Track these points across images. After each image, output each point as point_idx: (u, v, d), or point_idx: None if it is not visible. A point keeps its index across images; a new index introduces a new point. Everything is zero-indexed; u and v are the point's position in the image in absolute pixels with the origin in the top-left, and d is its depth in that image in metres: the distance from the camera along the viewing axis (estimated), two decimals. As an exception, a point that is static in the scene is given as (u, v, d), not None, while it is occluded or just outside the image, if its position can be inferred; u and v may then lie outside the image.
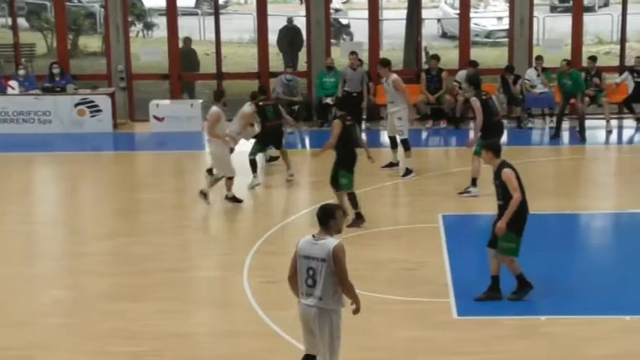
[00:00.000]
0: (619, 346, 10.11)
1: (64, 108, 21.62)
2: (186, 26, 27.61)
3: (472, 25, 25.11)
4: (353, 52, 20.99)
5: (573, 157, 19.30)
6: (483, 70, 22.81)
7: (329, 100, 21.14)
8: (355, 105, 19.96)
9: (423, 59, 23.77)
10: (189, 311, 11.34)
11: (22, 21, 29.78)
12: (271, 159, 18.21)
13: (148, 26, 31.96)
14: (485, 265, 11.35)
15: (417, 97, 21.30)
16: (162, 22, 26.29)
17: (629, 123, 21.76)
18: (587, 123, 20.29)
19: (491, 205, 15.04)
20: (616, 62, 24.20)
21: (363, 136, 19.52)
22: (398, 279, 12.09)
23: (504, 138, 15.85)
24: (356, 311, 8.44)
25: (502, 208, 11.00)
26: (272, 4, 24.77)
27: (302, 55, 24.34)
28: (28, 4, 32.38)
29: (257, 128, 17.69)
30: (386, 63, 17.40)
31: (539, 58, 21.74)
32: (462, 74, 21.51)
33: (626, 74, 21.89)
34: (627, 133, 21.52)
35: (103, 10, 25.36)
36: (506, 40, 24.59)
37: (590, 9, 31.84)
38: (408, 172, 17.11)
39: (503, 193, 10.97)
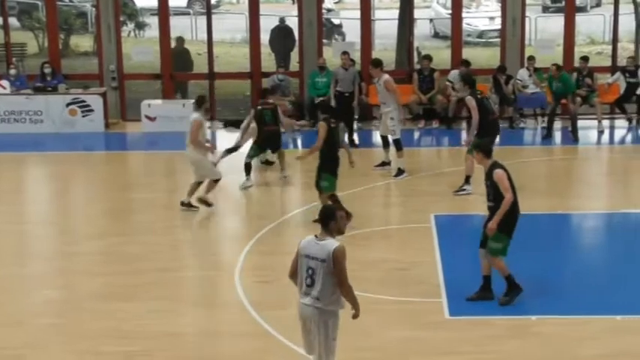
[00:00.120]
0: (610, 346, 10.12)
1: (55, 108, 21.58)
2: (178, 26, 27.59)
3: (464, 25, 25.13)
4: (345, 52, 20.98)
5: (565, 157, 19.33)
6: (475, 70, 22.79)
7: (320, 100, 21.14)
8: (347, 105, 19.97)
9: (415, 59, 23.78)
10: (181, 311, 11.32)
11: (13, 20, 29.71)
12: (267, 162, 18.14)
13: (140, 26, 31.91)
14: (478, 265, 11.34)
15: (409, 97, 21.32)
16: (154, 21, 26.25)
17: (621, 123, 21.79)
18: (580, 123, 20.32)
19: (484, 205, 15.11)
20: (608, 62, 24.24)
21: (346, 138, 19.56)
22: (390, 279, 12.09)
23: (497, 138, 15.80)
24: (355, 316, 8.41)
25: (493, 209, 11.00)
26: (264, 4, 24.78)
27: (294, 55, 24.34)
28: (19, 3, 32.30)
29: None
30: (377, 63, 17.40)
31: (531, 58, 21.77)
32: (454, 74, 21.54)
33: (618, 74, 21.92)
34: (619, 133, 21.55)
35: (94, 9, 25.32)
36: (498, 40, 24.62)
37: (582, 9, 31.89)
38: (400, 172, 17.11)
39: (494, 194, 10.97)
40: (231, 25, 32.18)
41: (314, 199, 14.46)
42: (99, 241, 14.03)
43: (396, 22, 25.47)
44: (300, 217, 14.72)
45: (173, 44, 23.46)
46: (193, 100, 22.10)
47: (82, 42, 31.10)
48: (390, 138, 17.35)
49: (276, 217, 14.81)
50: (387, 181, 17.03)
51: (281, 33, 25.34)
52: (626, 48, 26.97)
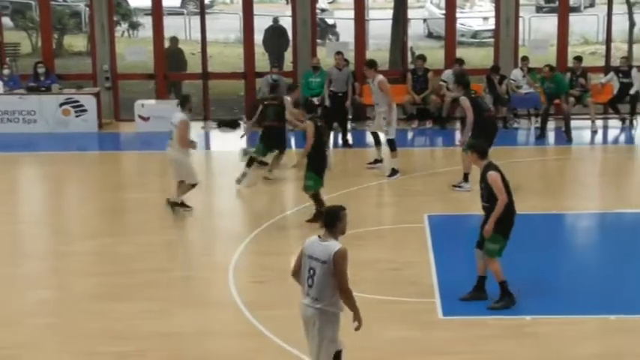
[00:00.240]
0: (604, 346, 10.14)
1: (48, 108, 21.54)
2: (172, 26, 27.56)
3: (458, 25, 25.12)
4: (339, 52, 20.98)
5: (559, 157, 19.35)
6: (469, 70, 22.83)
7: (314, 100, 21.13)
8: (340, 105, 19.98)
9: (409, 59, 23.80)
10: (175, 311, 11.31)
11: (6, 20, 29.68)
12: (261, 163, 18.00)
13: (134, 26, 31.86)
14: (471, 265, 11.35)
15: (402, 97, 21.33)
16: (147, 21, 26.22)
17: (615, 123, 21.81)
18: (573, 123, 20.35)
19: (478, 205, 15.11)
20: (601, 62, 24.27)
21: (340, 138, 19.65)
22: (383, 279, 12.08)
23: (495, 135, 15.78)
24: (357, 327, 8.33)
25: (487, 210, 11.00)
26: (258, 4, 24.77)
27: (288, 55, 24.33)
28: (13, 3, 32.23)
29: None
30: (372, 64, 17.41)
31: (525, 58, 21.79)
32: (448, 74, 21.56)
33: (611, 74, 21.95)
34: (613, 133, 21.58)
35: (88, 9, 25.32)
36: (492, 40, 24.62)
37: (575, 9, 31.89)
38: (394, 172, 17.12)
39: (488, 196, 10.96)
40: (225, 25, 32.16)
41: (308, 200, 14.46)
42: (92, 241, 14.01)
43: (390, 22, 25.46)
44: (294, 218, 14.71)
45: (167, 44, 23.44)
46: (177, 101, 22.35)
47: (76, 42, 31.05)
48: (384, 138, 17.36)
49: (270, 217, 14.80)
50: (380, 181, 17.03)
51: (275, 33, 25.33)
52: (619, 48, 27.01)
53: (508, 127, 21.29)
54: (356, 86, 20.94)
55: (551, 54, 22.71)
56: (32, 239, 14.48)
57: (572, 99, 20.66)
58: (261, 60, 24.54)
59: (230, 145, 21.10)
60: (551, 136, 20.77)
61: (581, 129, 20.90)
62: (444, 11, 24.19)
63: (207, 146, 21.63)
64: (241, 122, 22.14)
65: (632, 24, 27.09)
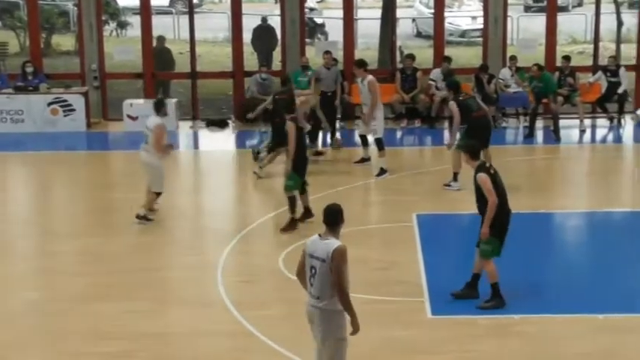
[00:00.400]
0: (592, 345, 10.15)
1: (36, 107, 21.47)
2: (161, 25, 27.49)
3: (446, 25, 25.15)
4: (327, 52, 20.96)
5: (547, 156, 19.37)
6: (458, 69, 22.89)
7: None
8: (329, 104, 19.96)
9: (398, 58, 23.79)
10: (162, 311, 11.29)
11: (-6, 19, 29.63)
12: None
13: (122, 25, 31.82)
14: (459, 264, 11.36)
15: (391, 96, 21.33)
16: (136, 21, 26.17)
17: (603, 122, 21.86)
18: (561, 122, 20.39)
19: (466, 204, 15.12)
20: (589, 62, 24.30)
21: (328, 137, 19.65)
22: (372, 278, 12.07)
23: (489, 134, 15.79)
24: (354, 332, 8.29)
25: (480, 210, 11.00)
26: (247, 3, 24.70)
27: (276, 54, 24.31)
28: (0, 2, 32.17)
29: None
30: (362, 64, 17.42)
31: (513, 57, 21.81)
32: (436, 73, 21.58)
33: (599, 74, 21.99)
34: (601, 133, 21.62)
35: (76, 8, 25.24)
36: (480, 39, 24.64)
37: (563, 9, 31.99)
38: (382, 171, 17.11)
39: (478, 196, 10.98)
40: (213, 24, 32.13)
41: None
42: (80, 240, 13.97)
43: (379, 21, 25.47)
44: (282, 217, 14.65)
45: (154, 43, 23.38)
46: (175, 99, 22.31)
47: (64, 41, 30.97)
48: (372, 137, 17.38)
49: (258, 217, 14.78)
50: (369, 180, 17.02)
51: (263, 32, 25.30)
52: (607, 47, 27.06)
53: (497, 126, 21.25)
54: (345, 85, 20.95)
55: (539, 53, 22.75)
56: (19, 239, 14.42)
57: (560, 98, 20.69)
58: (250, 59, 24.52)
59: (218, 144, 21.11)
60: (539, 135, 20.79)
61: (570, 128, 20.94)
62: (432, 10, 24.20)
63: (196, 146, 21.61)
64: (230, 122, 22.13)
65: (619, 23, 27.16)
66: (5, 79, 22.17)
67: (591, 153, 20.34)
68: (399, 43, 25.18)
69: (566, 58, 21.75)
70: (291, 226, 13.86)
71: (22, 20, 29.64)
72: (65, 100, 21.56)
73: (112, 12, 31.47)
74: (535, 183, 16.88)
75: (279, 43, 23.42)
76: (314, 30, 31.19)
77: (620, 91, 21.57)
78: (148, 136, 14.27)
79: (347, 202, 15.25)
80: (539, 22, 25.20)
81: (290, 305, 11.29)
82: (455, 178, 16.01)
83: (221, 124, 22.07)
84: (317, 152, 18.40)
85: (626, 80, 21.69)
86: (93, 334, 10.59)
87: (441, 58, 22.00)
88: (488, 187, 10.80)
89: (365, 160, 17.78)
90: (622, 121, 21.67)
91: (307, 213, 14.16)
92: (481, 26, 23.85)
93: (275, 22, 24.54)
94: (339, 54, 22.29)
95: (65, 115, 21.53)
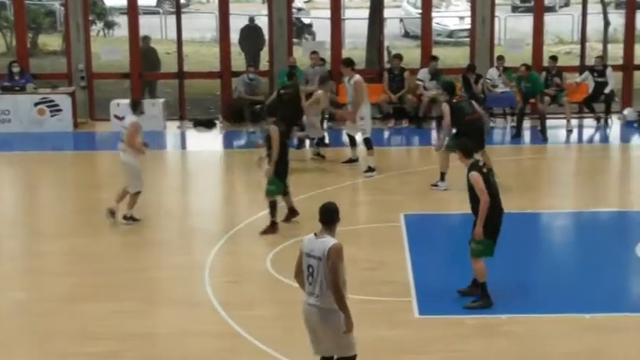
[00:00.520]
0: (579, 345, 10.17)
1: (23, 107, 21.42)
2: (148, 25, 27.47)
3: (434, 25, 25.16)
4: (314, 52, 20.96)
5: (534, 156, 19.41)
6: (445, 69, 22.94)
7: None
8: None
9: (386, 58, 23.80)
10: (150, 311, 11.27)
11: (-20, 19, 29.52)
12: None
13: (109, 25, 31.74)
14: (447, 264, 11.37)
15: (379, 96, 21.34)
16: (123, 21, 26.12)
17: (590, 122, 21.92)
18: (549, 122, 20.43)
19: (453, 204, 15.16)
20: (576, 62, 24.38)
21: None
22: (359, 278, 12.04)
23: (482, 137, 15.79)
24: (347, 330, 8.30)
25: (474, 210, 11.01)
26: (234, 3, 24.73)
27: (264, 54, 24.30)
28: (-13, 2, 32.07)
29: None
30: (349, 63, 17.43)
31: (501, 58, 21.85)
32: (424, 73, 21.60)
33: (586, 74, 22.04)
34: (588, 133, 21.68)
35: (63, 8, 25.18)
36: (468, 39, 24.67)
37: (551, 9, 32.03)
38: (370, 169, 17.14)
39: (471, 196, 10.99)
40: (201, 24, 32.09)
41: (280, 201, 14.41)
42: (67, 240, 13.94)
43: (367, 21, 25.47)
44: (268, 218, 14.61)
45: (140, 43, 23.32)
46: (162, 100, 22.28)
47: (51, 41, 30.90)
48: (360, 137, 17.39)
49: (246, 217, 14.76)
50: (356, 180, 17.03)
51: (251, 32, 25.28)
52: (594, 48, 27.13)
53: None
54: (332, 85, 20.92)
55: (526, 53, 22.79)
56: (6, 239, 14.38)
57: (547, 98, 20.74)
58: (238, 59, 24.50)
59: (206, 144, 21.08)
60: (526, 135, 20.84)
61: (557, 128, 20.99)
62: (420, 11, 24.23)
63: (184, 146, 21.58)
64: (217, 122, 22.11)
65: (606, 23, 27.21)
66: (-8, 79, 22.12)
67: (578, 153, 20.39)
68: (386, 43, 25.20)
69: (553, 58, 21.79)
70: (271, 229, 13.84)
71: (8, 20, 29.55)
72: (52, 101, 21.52)
73: (99, 12, 31.40)
74: (522, 183, 16.91)
75: (267, 43, 23.41)
76: (301, 30, 31.19)
77: (606, 91, 21.62)
78: (124, 135, 14.31)
79: (335, 201, 15.29)
80: (526, 22, 25.26)
81: (277, 306, 11.31)
82: (442, 178, 16.04)
83: (208, 125, 22.04)
84: (318, 154, 18.35)
85: (613, 80, 21.74)
86: (80, 334, 10.56)
87: (428, 59, 22.03)
88: (480, 186, 10.80)
89: (353, 160, 17.79)
90: (609, 121, 21.73)
91: (292, 212, 14.14)
92: (469, 26, 23.88)
93: (262, 22, 24.54)
94: (326, 54, 22.29)
95: (52, 116, 21.48)
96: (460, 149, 11.19)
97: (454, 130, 15.78)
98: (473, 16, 22.73)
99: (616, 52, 25.57)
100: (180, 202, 16.31)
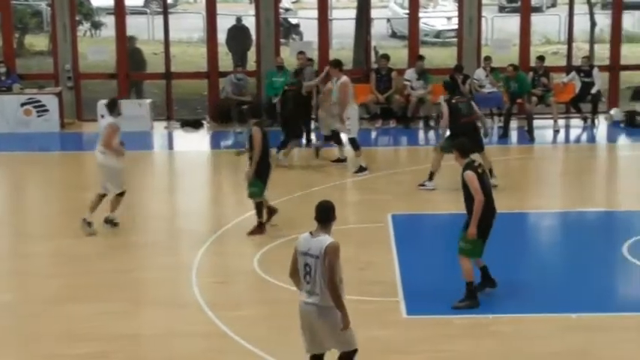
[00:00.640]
0: (565, 344, 10.18)
1: (9, 108, 21.36)
2: (135, 25, 27.40)
3: (421, 25, 25.21)
4: (301, 52, 20.96)
5: (521, 156, 19.44)
6: (432, 69, 22.98)
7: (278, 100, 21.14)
8: (305, 104, 19.89)
9: (373, 59, 23.81)
10: (137, 312, 11.25)
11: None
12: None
13: (96, 25, 31.66)
14: (434, 264, 11.37)
15: (366, 96, 21.35)
16: (110, 21, 26.06)
17: (577, 122, 21.97)
18: (536, 122, 20.48)
19: (440, 204, 15.19)
20: (563, 62, 24.43)
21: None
22: (347, 278, 11.95)
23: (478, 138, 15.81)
24: (344, 327, 8.32)
25: (468, 209, 11.02)
26: (221, 4, 24.65)
27: (251, 54, 24.29)
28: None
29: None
30: (337, 64, 17.46)
31: (488, 58, 21.89)
32: (411, 73, 21.62)
33: (573, 74, 22.11)
34: (575, 133, 21.73)
35: (49, 8, 25.10)
36: (455, 39, 24.71)
37: (537, 9, 32.12)
38: (361, 169, 17.18)
39: (466, 194, 11.00)
40: (188, 24, 32.05)
41: (270, 200, 14.40)
42: (54, 241, 13.89)
43: (354, 21, 25.48)
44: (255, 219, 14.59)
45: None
46: (149, 100, 22.24)
47: (37, 41, 30.81)
48: (346, 137, 17.41)
49: (233, 218, 14.73)
50: (344, 180, 17.04)
51: (238, 32, 25.26)
52: (581, 48, 27.19)
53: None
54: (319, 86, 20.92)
55: (513, 54, 22.84)
56: (-7, 240, 14.34)
57: (534, 98, 20.78)
58: (225, 59, 24.47)
59: (193, 145, 21.05)
60: (513, 135, 20.88)
61: (544, 128, 21.03)
62: (407, 11, 24.25)
63: (171, 146, 21.55)
64: (204, 122, 22.08)
65: (593, 24, 27.30)
66: (-22, 79, 22.03)
67: (565, 153, 20.44)
68: (373, 43, 25.21)
69: (540, 58, 21.86)
70: (258, 229, 13.81)
71: (-5, 20, 29.42)
72: (39, 101, 21.46)
73: (86, 12, 31.32)
74: (509, 183, 16.92)
75: (254, 43, 23.40)
76: (289, 30, 31.18)
77: (593, 91, 21.68)
78: (102, 136, 14.08)
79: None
80: (513, 22, 25.30)
81: (265, 306, 11.30)
82: (430, 177, 16.03)
83: (196, 125, 22.03)
84: (338, 159, 18.26)
85: (600, 80, 21.82)
86: (67, 335, 10.52)
87: (415, 59, 22.05)
88: (475, 185, 10.82)
89: (341, 160, 17.81)
90: (595, 121, 21.79)
91: (271, 211, 14.04)
92: (456, 27, 23.92)
93: (250, 22, 24.51)
94: (313, 54, 22.29)
95: (39, 116, 21.43)
96: (457, 148, 11.23)
97: (448, 132, 15.78)
98: (460, 17, 22.76)
99: (602, 52, 25.66)
100: (168, 203, 16.28)
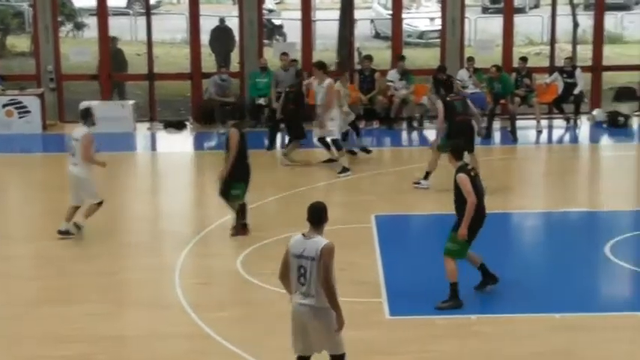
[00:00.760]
0: (547, 344, 10.20)
1: (-9, 109, 21.26)
2: (118, 26, 27.32)
3: (405, 26, 25.21)
4: (284, 53, 20.94)
5: (504, 156, 19.47)
6: (416, 70, 22.99)
7: (262, 101, 21.12)
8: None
9: (356, 59, 23.80)
10: (120, 313, 11.21)
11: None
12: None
13: (78, 26, 31.52)
14: (417, 264, 11.37)
15: (349, 97, 21.29)
16: (92, 22, 25.97)
17: (559, 123, 22.03)
18: (519, 123, 20.52)
19: (424, 205, 15.21)
20: (546, 63, 24.49)
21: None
22: (331, 279, 12.04)
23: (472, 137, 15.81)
24: (339, 328, 8.35)
25: (458, 211, 11.03)
26: (204, 5, 24.63)
27: (234, 55, 24.25)
28: (-46, 3, 31.81)
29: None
30: (321, 66, 17.46)
31: (471, 59, 21.92)
32: (393, 73, 21.62)
33: (555, 75, 22.16)
34: (557, 133, 21.79)
35: (31, 9, 24.99)
36: (438, 40, 24.73)
37: (520, 10, 32.18)
38: (344, 170, 17.17)
39: (457, 197, 11.02)
40: (171, 25, 31.96)
41: (252, 202, 14.38)
42: (36, 243, 13.83)
43: (337, 22, 25.47)
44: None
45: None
46: (132, 101, 22.17)
47: (19, 42, 30.66)
48: (329, 139, 17.41)
49: (216, 219, 14.69)
50: (328, 181, 17.02)
51: (221, 33, 25.22)
52: (563, 49, 27.26)
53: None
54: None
55: (496, 54, 22.88)
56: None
57: (517, 99, 20.82)
58: (208, 60, 24.42)
59: (176, 146, 21.00)
60: (496, 135, 20.90)
61: (527, 129, 21.07)
62: (390, 12, 24.25)
63: (154, 147, 21.50)
64: (187, 123, 22.03)
65: (575, 25, 27.33)
66: (-41, 80, 21.93)
67: (548, 153, 20.49)
68: (357, 44, 25.20)
69: (523, 59, 21.90)
70: (241, 231, 13.77)
71: (-24, 22, 29.33)
72: (20, 102, 21.36)
73: (68, 13, 31.17)
74: (492, 183, 16.91)
75: (237, 44, 23.36)
76: (272, 31, 31.14)
77: (576, 92, 21.74)
78: (75, 148, 13.53)
79: (306, 202, 15.19)
80: (496, 23, 25.34)
81: (248, 307, 11.28)
82: (426, 177, 15.99)
83: (179, 126, 21.97)
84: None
85: (582, 81, 21.87)
86: (50, 337, 10.48)
87: (399, 60, 22.06)
88: (467, 188, 10.86)
89: (332, 160, 17.80)
90: (578, 121, 21.84)
91: (245, 225, 13.93)
92: (439, 27, 23.94)
93: (233, 23, 24.47)
94: (297, 55, 22.26)
95: (20, 117, 21.33)
96: (452, 151, 11.27)
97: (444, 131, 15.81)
98: (443, 18, 22.78)
99: (585, 53, 25.71)
100: (151, 204, 16.24)
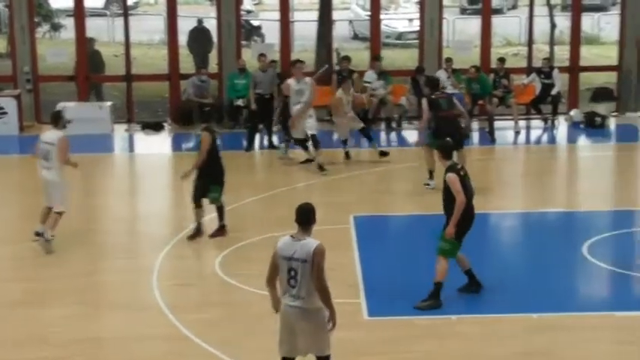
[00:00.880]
0: (527, 344, 10.22)
1: (-33, 111, 21.12)
2: (95, 27, 27.21)
3: (383, 27, 25.22)
4: (262, 54, 20.89)
5: (483, 157, 19.49)
6: (394, 71, 23.01)
7: (240, 102, 21.06)
8: (266, 107, 19.84)
9: (334, 60, 23.78)
10: (98, 315, 11.18)
11: None
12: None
13: (55, 27, 31.37)
14: (396, 265, 11.35)
15: (327, 98, 21.27)
16: (70, 23, 25.85)
17: (537, 123, 22.09)
18: (496, 124, 20.57)
19: (402, 206, 15.20)
20: (524, 64, 24.57)
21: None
22: (309, 280, 12.02)
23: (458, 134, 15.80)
24: (332, 327, 8.36)
25: (446, 210, 11.03)
26: (182, 5, 24.58)
27: (212, 56, 24.19)
28: None
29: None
30: (300, 61, 17.57)
31: (449, 60, 21.93)
32: (370, 74, 21.62)
33: (533, 75, 22.22)
34: (535, 134, 21.85)
35: (7, 10, 24.84)
36: (416, 41, 24.76)
37: (498, 11, 32.29)
38: (321, 169, 17.20)
39: (446, 196, 11.04)
40: (148, 26, 31.86)
41: (229, 202, 14.34)
42: (12, 246, 13.74)
43: (316, 23, 25.46)
44: (216, 222, 14.49)
45: (85, 45, 23.10)
46: (110, 103, 22.06)
47: (-5, 43, 30.49)
48: (309, 132, 17.45)
49: (193, 221, 14.63)
50: (307, 182, 17.01)
51: (199, 34, 25.15)
52: (541, 49, 27.37)
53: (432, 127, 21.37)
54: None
55: (474, 55, 22.91)
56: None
57: (495, 100, 20.86)
58: (186, 61, 24.35)
59: (154, 147, 20.92)
60: (475, 136, 20.93)
61: (505, 129, 21.12)
62: (369, 13, 24.26)
63: (131, 149, 21.41)
64: (165, 124, 21.96)
65: (553, 26, 27.47)
66: None
67: (526, 154, 20.54)
68: (335, 45, 25.20)
69: (501, 60, 21.95)
70: (220, 232, 13.74)
71: (-48, 22, 29.13)
72: (-4, 104, 21.23)
73: (45, 14, 31.02)
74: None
75: (216, 45, 23.30)
76: (250, 32, 31.08)
77: (553, 92, 21.81)
78: (49, 152, 13.13)
79: (285, 204, 15.27)
80: (474, 24, 25.40)
81: (226, 308, 11.24)
82: (431, 176, 15.94)
83: (156, 127, 21.90)
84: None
85: (560, 82, 21.94)
86: (27, 339, 10.42)
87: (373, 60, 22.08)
88: (457, 187, 10.86)
89: (310, 160, 17.80)
90: (556, 122, 21.91)
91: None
92: (417, 28, 23.96)
93: (211, 24, 24.41)
94: (275, 56, 22.22)
95: (-3, 119, 21.21)
96: (440, 150, 11.28)
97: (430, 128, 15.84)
98: (421, 19, 22.81)
99: (562, 54, 25.82)
100: (128, 206, 16.17)
